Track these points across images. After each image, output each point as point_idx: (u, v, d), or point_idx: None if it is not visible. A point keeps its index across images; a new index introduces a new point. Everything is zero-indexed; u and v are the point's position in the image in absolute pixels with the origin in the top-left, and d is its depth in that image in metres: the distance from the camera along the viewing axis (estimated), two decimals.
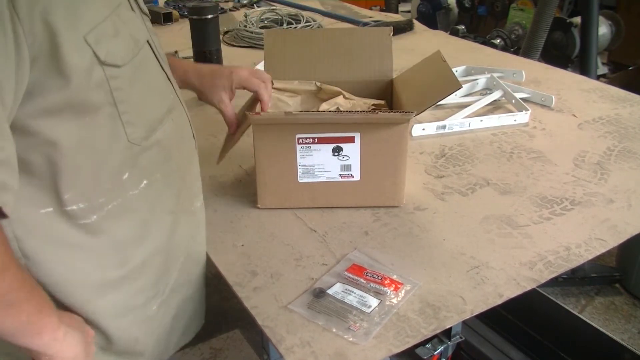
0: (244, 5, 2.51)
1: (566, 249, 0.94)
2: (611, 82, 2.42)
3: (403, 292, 0.85)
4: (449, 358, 1.42)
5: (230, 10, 2.45)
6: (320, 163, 1.01)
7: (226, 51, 1.77)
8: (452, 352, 1.40)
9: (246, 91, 1.07)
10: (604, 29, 2.97)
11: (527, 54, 2.47)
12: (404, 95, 1.12)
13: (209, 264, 0.95)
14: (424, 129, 1.34)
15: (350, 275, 0.88)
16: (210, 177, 1.16)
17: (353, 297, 0.84)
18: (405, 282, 0.87)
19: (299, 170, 1.02)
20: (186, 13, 2.18)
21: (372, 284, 0.86)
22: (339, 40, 1.20)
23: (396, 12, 3.76)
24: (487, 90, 1.55)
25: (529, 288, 0.86)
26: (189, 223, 0.90)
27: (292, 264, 0.92)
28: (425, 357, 1.33)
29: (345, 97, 1.18)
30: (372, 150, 1.00)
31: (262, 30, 1.97)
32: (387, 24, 2.06)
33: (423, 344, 1.31)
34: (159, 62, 0.81)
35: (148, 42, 0.78)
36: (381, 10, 3.73)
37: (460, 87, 0.97)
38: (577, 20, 2.77)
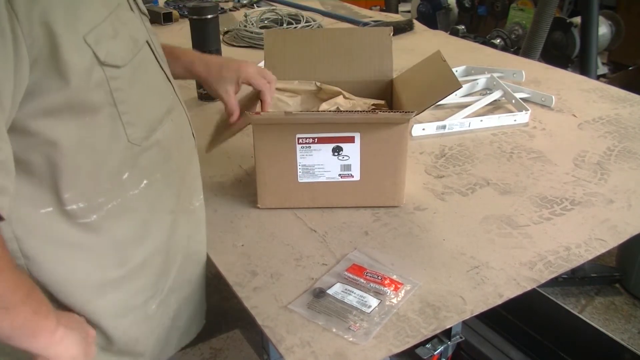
0: (244, 5, 2.51)
1: (566, 249, 0.94)
2: (611, 82, 2.41)
3: (403, 292, 0.85)
4: (449, 358, 1.42)
5: (230, 10, 2.45)
6: (320, 163, 1.01)
7: (226, 51, 1.77)
8: (452, 352, 1.40)
9: (246, 87, 1.07)
10: (604, 29, 2.97)
11: (527, 54, 2.47)
12: (404, 95, 1.12)
13: (209, 264, 0.95)
14: (424, 129, 1.34)
15: (350, 275, 0.88)
16: (210, 177, 1.16)
17: (353, 297, 0.84)
18: (405, 282, 0.87)
19: (299, 170, 1.02)
20: (186, 13, 2.18)
21: (372, 284, 0.86)
22: (339, 40, 1.20)
23: (396, 12, 3.76)
24: (487, 90, 1.55)
25: (529, 288, 0.86)
26: (189, 222, 0.90)
27: (292, 264, 0.92)
28: (425, 357, 1.33)
29: (345, 97, 1.18)
30: (372, 150, 1.00)
31: (262, 30, 1.97)
32: (387, 24, 2.06)
33: (423, 344, 1.31)
34: (158, 62, 0.81)
35: (147, 42, 0.78)
36: (381, 10, 3.73)
37: (460, 87, 0.97)
38: (577, 20, 2.77)
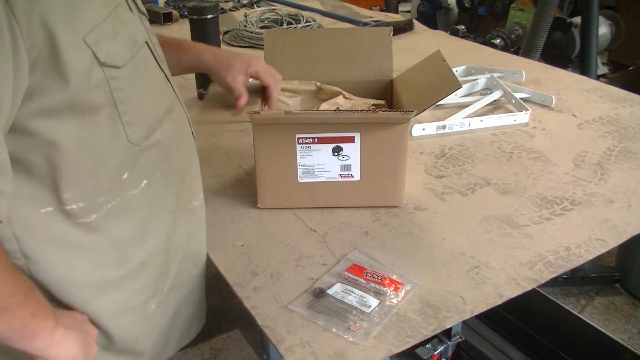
0: (244, 5, 2.51)
1: (566, 249, 0.94)
2: (611, 82, 2.41)
3: (403, 292, 0.85)
4: (449, 358, 1.42)
5: (230, 10, 2.45)
6: (320, 163, 1.01)
7: None
8: (452, 352, 1.40)
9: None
10: (604, 29, 2.97)
11: (527, 54, 2.47)
12: (404, 95, 1.12)
13: (209, 264, 0.95)
14: (424, 129, 1.34)
15: (350, 275, 0.88)
16: (210, 177, 1.16)
17: (353, 297, 0.84)
18: (405, 282, 0.87)
19: (299, 170, 1.02)
20: (186, 13, 2.18)
21: (372, 284, 0.86)
22: (339, 40, 1.20)
23: (396, 12, 3.76)
24: (487, 90, 1.55)
25: (529, 288, 0.86)
26: (188, 222, 0.90)
27: (292, 264, 0.92)
28: (425, 357, 1.33)
29: (345, 97, 1.18)
30: (372, 150, 1.00)
31: (262, 30, 1.97)
32: (387, 24, 2.07)
33: (423, 344, 1.31)
34: (158, 62, 0.81)
35: (147, 42, 0.78)
36: (381, 10, 3.73)
37: (460, 86, 0.97)
38: (577, 20, 2.77)
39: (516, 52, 2.85)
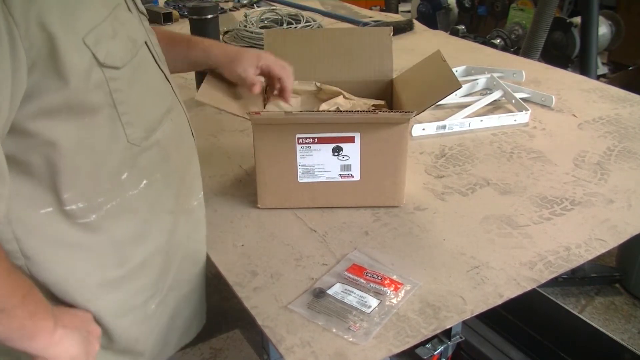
0: (244, 5, 2.51)
1: (566, 249, 0.94)
2: (611, 82, 2.41)
3: (403, 292, 0.85)
4: (449, 358, 1.42)
5: (230, 10, 2.45)
6: (320, 163, 1.01)
7: None
8: (452, 352, 1.40)
9: None
10: (604, 29, 2.97)
11: (527, 54, 2.47)
12: (404, 95, 1.12)
13: (209, 264, 0.95)
14: (424, 129, 1.34)
15: (350, 276, 0.88)
16: (210, 177, 1.16)
17: (353, 297, 0.84)
18: (405, 282, 0.87)
19: (299, 170, 1.02)
20: (186, 13, 2.19)
21: (372, 284, 0.86)
22: (339, 40, 1.20)
23: (396, 12, 3.76)
24: (487, 90, 1.55)
25: (529, 288, 0.86)
26: (188, 222, 0.90)
27: (292, 264, 0.92)
28: (425, 357, 1.33)
29: (345, 97, 1.18)
30: (372, 150, 1.00)
31: (262, 30, 1.97)
32: (387, 24, 2.06)
33: (423, 344, 1.31)
34: (157, 62, 0.81)
35: (146, 42, 0.78)
36: (381, 10, 3.73)
37: (460, 86, 0.97)
38: (577, 20, 2.77)
39: (516, 52, 2.85)
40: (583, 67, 2.66)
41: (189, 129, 0.90)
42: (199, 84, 1.53)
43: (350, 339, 0.77)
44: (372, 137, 0.99)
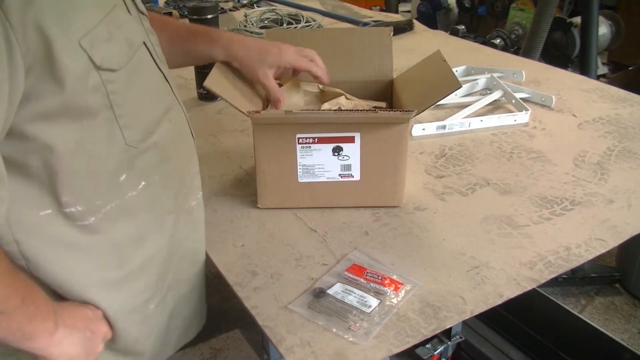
0: (244, 5, 2.51)
1: (566, 249, 0.94)
2: (611, 82, 2.41)
3: (403, 292, 0.85)
4: (449, 358, 1.42)
5: (230, 10, 2.45)
6: (320, 163, 1.01)
7: None
8: (452, 352, 1.40)
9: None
10: (604, 29, 2.97)
11: (527, 54, 2.47)
12: (404, 95, 1.12)
13: (209, 264, 0.95)
14: (424, 129, 1.34)
15: (351, 275, 0.88)
16: (210, 177, 1.16)
17: (353, 297, 0.84)
18: (405, 282, 0.87)
19: (299, 170, 1.02)
20: (186, 13, 2.18)
21: (372, 284, 0.86)
22: (339, 40, 1.20)
23: (396, 12, 3.76)
24: (487, 90, 1.55)
25: (529, 288, 0.86)
26: (186, 221, 0.90)
27: (292, 264, 0.92)
28: (425, 357, 1.33)
29: (347, 98, 1.18)
30: (372, 150, 1.00)
31: (262, 30, 1.97)
32: (387, 24, 2.07)
33: (423, 344, 1.31)
34: (156, 62, 0.81)
35: (145, 43, 0.77)
36: (381, 10, 3.73)
37: (460, 86, 0.97)
38: (577, 20, 2.78)
39: (516, 52, 2.85)
40: (583, 67, 2.66)
41: (188, 129, 0.89)
42: (199, 84, 1.54)
43: (351, 339, 0.77)
44: (372, 137, 0.99)
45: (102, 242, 0.76)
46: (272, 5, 2.40)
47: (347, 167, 1.01)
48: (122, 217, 0.77)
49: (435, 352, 1.34)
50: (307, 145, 0.99)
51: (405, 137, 0.99)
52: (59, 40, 0.62)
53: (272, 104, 1.07)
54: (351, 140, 0.99)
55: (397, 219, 1.03)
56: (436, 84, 1.02)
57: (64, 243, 0.73)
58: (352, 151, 1.00)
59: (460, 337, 1.37)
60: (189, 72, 1.59)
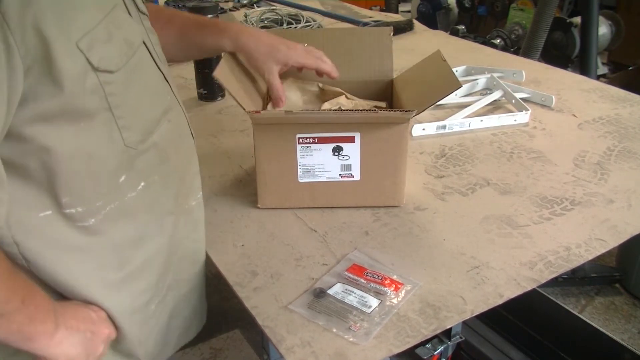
0: (244, 5, 2.51)
1: (566, 249, 0.94)
2: (611, 82, 2.42)
3: (403, 292, 0.85)
4: (449, 358, 1.42)
5: (230, 10, 2.45)
6: (321, 163, 1.01)
7: None
8: (452, 352, 1.40)
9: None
10: (604, 29, 2.97)
11: (527, 54, 2.47)
12: (404, 95, 1.12)
13: (209, 264, 0.95)
14: (424, 129, 1.34)
15: (351, 275, 0.88)
16: (210, 177, 1.16)
17: (353, 297, 0.84)
18: (405, 282, 0.87)
19: (299, 170, 1.02)
20: None
21: (372, 284, 0.86)
22: (339, 40, 1.20)
23: (396, 12, 3.76)
24: (487, 90, 1.55)
25: (529, 288, 0.86)
26: (186, 221, 0.90)
27: (292, 264, 0.92)
28: (425, 357, 1.33)
29: (347, 98, 1.18)
30: (372, 150, 1.00)
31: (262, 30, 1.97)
32: (387, 24, 2.06)
33: (423, 344, 1.31)
34: (156, 62, 0.80)
35: (145, 43, 0.77)
36: (381, 10, 3.73)
37: (460, 86, 0.97)
38: (577, 20, 2.78)
39: (516, 52, 2.85)
40: (583, 67, 2.67)
41: (188, 129, 0.89)
42: (199, 84, 1.54)
43: (351, 339, 0.77)
44: (372, 137, 0.99)
45: (102, 243, 0.76)
46: (272, 5, 2.40)
47: (347, 167, 1.01)
48: (122, 218, 0.77)
49: (435, 352, 1.34)
50: (307, 145, 0.99)
51: (405, 137, 0.99)
52: (57, 41, 0.61)
53: (273, 102, 1.07)
54: (351, 140, 0.99)
55: (397, 219, 1.03)
56: (436, 84, 1.02)
57: (64, 244, 0.73)
58: (352, 151, 1.00)
59: (460, 337, 1.37)
60: (189, 72, 1.59)
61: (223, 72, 0.97)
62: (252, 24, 2.07)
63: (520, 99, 1.45)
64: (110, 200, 0.74)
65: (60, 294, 0.75)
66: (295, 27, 2.07)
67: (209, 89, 1.53)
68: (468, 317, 0.82)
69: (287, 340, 0.77)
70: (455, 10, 3.92)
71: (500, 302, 0.84)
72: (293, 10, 2.22)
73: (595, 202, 1.07)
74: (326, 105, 1.14)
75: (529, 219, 1.02)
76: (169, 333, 0.92)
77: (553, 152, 1.25)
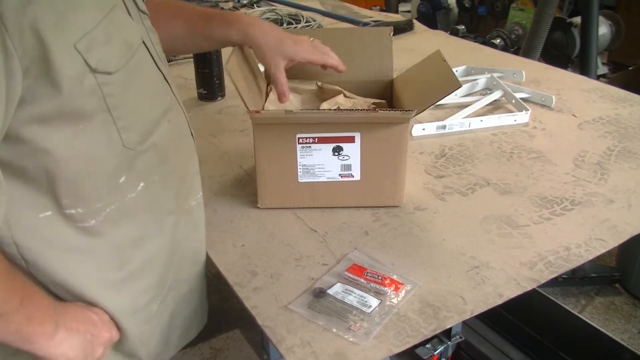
0: (244, 5, 2.51)
1: (566, 249, 0.94)
2: (611, 82, 2.42)
3: (403, 292, 0.85)
4: (449, 358, 1.42)
5: (230, 10, 2.45)
6: (321, 163, 1.01)
7: (226, 51, 1.77)
8: (452, 352, 1.40)
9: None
10: (604, 29, 2.97)
11: (527, 54, 2.48)
12: (404, 95, 1.12)
13: (209, 264, 0.95)
14: (424, 129, 1.34)
15: (351, 275, 0.88)
16: (210, 177, 1.16)
17: (353, 297, 0.84)
18: (405, 282, 0.87)
19: (299, 170, 1.02)
20: None
21: (372, 284, 0.86)
22: (339, 40, 1.20)
23: (396, 12, 3.76)
24: (487, 90, 1.55)
25: (529, 288, 0.86)
26: (186, 221, 0.90)
27: (292, 264, 0.92)
28: (425, 357, 1.33)
29: (345, 96, 1.18)
30: (372, 150, 1.00)
31: None
32: (387, 24, 2.07)
33: (423, 344, 1.31)
34: (156, 62, 0.80)
35: (144, 42, 0.77)
36: (381, 10, 3.73)
37: (460, 86, 0.97)
38: (577, 20, 2.78)
39: (516, 52, 2.85)
40: (583, 67, 2.67)
41: (188, 129, 0.89)
42: (199, 84, 1.54)
43: (351, 339, 0.77)
44: (373, 137, 0.99)
45: (103, 244, 0.76)
46: (272, 5, 2.40)
47: (347, 167, 1.01)
48: (122, 219, 0.76)
49: (435, 352, 1.34)
50: (307, 145, 0.99)
51: (405, 137, 0.99)
52: (55, 43, 0.61)
53: (277, 97, 1.06)
54: (351, 140, 0.99)
55: (397, 219, 1.03)
56: (436, 84, 1.02)
57: (64, 245, 0.72)
58: (352, 151, 1.00)
59: (460, 337, 1.37)
60: (189, 72, 1.59)
61: (233, 67, 0.97)
62: None
63: (520, 99, 1.45)
64: (110, 201, 0.74)
65: (59, 296, 0.75)
66: (295, 27, 2.07)
67: (209, 89, 1.53)
68: (468, 317, 0.82)
69: (287, 340, 0.77)
70: (455, 10, 3.92)
71: (500, 302, 0.84)
72: (293, 10, 2.22)
73: (595, 202, 1.07)
74: (325, 105, 1.14)
75: (529, 219, 1.02)
76: (170, 333, 0.92)
77: (553, 152, 1.25)
